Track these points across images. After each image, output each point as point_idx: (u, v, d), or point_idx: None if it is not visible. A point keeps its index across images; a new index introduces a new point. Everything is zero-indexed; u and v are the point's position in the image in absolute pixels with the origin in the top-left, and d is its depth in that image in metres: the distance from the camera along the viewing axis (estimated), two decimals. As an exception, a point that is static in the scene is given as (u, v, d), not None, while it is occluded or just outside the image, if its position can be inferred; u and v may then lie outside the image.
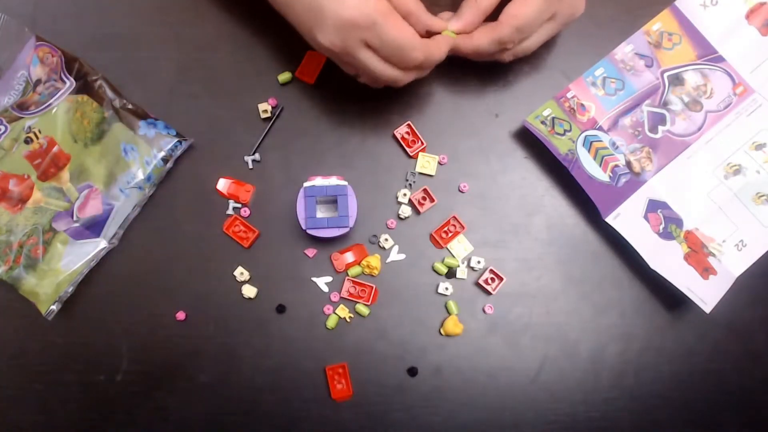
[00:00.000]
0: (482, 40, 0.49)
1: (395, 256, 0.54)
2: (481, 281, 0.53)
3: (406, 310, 0.53)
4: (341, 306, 0.53)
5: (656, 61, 0.55)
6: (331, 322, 0.53)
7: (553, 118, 0.54)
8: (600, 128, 0.54)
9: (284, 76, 0.54)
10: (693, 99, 0.55)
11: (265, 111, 0.54)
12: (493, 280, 0.53)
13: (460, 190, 0.55)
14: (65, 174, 0.52)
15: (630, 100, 0.55)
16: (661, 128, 0.55)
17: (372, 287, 0.53)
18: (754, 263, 0.53)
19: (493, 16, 0.49)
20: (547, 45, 0.54)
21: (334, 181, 0.50)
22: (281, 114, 0.55)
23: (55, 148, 0.52)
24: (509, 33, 0.48)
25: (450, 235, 0.54)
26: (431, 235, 0.54)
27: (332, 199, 0.51)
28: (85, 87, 0.53)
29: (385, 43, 0.45)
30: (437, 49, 0.48)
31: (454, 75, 0.56)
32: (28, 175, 0.52)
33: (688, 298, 0.52)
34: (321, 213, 0.52)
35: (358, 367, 0.53)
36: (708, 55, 0.55)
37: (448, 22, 0.49)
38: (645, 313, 0.54)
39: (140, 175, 0.52)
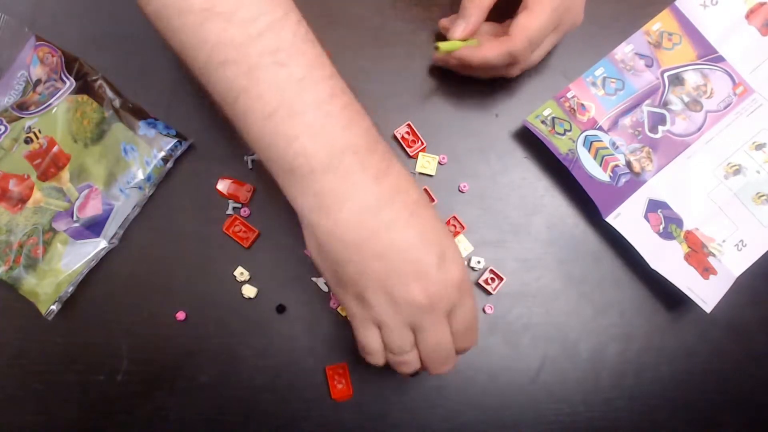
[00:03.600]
0: (492, 52, 0.48)
1: (395, 256, 0.54)
2: (481, 281, 0.53)
3: (406, 310, 0.53)
4: (341, 306, 0.53)
5: (656, 61, 0.55)
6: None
7: (554, 118, 0.54)
8: (600, 128, 0.54)
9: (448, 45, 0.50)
10: (693, 99, 0.55)
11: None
12: (493, 280, 0.53)
13: (460, 190, 0.55)
14: (65, 174, 0.52)
15: (630, 100, 0.55)
16: (661, 128, 0.55)
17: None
18: (754, 263, 0.53)
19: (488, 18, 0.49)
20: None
21: (334, 181, 0.50)
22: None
23: (55, 148, 0.52)
24: (522, 46, 0.47)
25: (450, 235, 0.54)
26: (431, 235, 0.54)
27: (332, 199, 0.51)
28: (85, 87, 0.53)
29: (464, 316, 0.41)
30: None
31: (454, 75, 0.56)
32: (28, 175, 0.52)
33: (688, 298, 0.52)
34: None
35: (358, 367, 0.53)
36: (708, 55, 0.55)
37: (454, 25, 0.49)
38: (645, 313, 0.54)
39: (140, 175, 0.52)
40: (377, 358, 0.42)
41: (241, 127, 0.40)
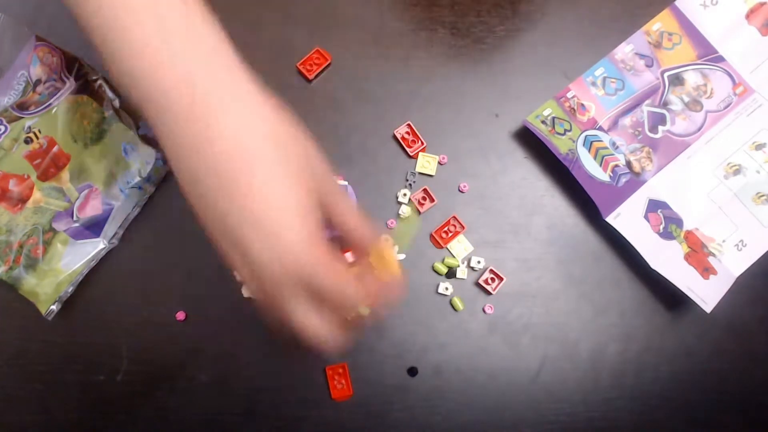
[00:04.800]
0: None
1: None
2: (481, 281, 0.53)
3: (406, 310, 0.53)
4: (341, 306, 0.53)
5: (656, 61, 0.55)
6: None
7: (554, 118, 0.54)
8: (600, 128, 0.54)
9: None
10: (693, 99, 0.55)
11: (265, 111, 0.54)
12: (493, 280, 0.53)
13: (460, 190, 0.55)
14: (65, 174, 0.52)
15: (630, 100, 0.55)
16: (661, 128, 0.55)
17: (372, 287, 0.53)
18: (754, 263, 0.53)
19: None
20: (548, 45, 0.54)
21: (334, 181, 0.50)
22: (281, 114, 0.55)
23: (55, 148, 0.52)
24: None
25: (450, 235, 0.54)
26: (431, 235, 0.54)
27: (332, 199, 0.51)
28: (85, 87, 0.53)
29: (324, 291, 0.36)
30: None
31: (454, 75, 0.56)
32: (28, 175, 0.52)
33: (688, 298, 0.52)
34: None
35: (358, 367, 0.53)
36: (708, 55, 0.55)
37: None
38: (645, 313, 0.54)
39: (140, 175, 0.52)
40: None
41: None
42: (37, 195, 0.52)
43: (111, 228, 0.52)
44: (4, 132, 0.52)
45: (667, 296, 0.54)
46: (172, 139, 0.36)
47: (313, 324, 0.37)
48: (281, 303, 0.36)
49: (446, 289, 0.53)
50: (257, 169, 0.35)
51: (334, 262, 0.36)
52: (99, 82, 0.53)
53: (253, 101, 0.38)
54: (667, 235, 0.53)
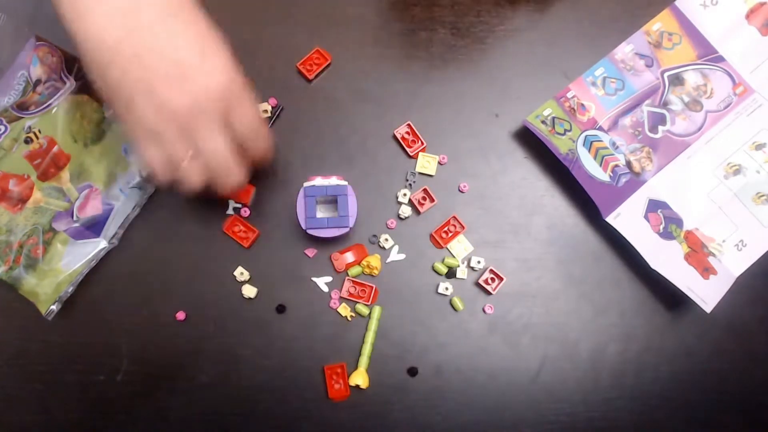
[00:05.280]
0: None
1: (395, 256, 0.54)
2: (481, 281, 0.53)
3: (406, 310, 0.53)
4: (342, 305, 0.53)
5: (656, 61, 0.55)
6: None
7: (554, 118, 0.54)
8: (600, 128, 0.54)
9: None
10: (693, 99, 0.55)
11: (265, 111, 0.54)
12: (493, 280, 0.53)
13: (460, 190, 0.55)
14: (65, 174, 0.52)
15: (630, 100, 0.55)
16: (661, 128, 0.55)
17: (372, 287, 0.53)
18: (754, 263, 0.53)
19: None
20: (548, 45, 0.54)
21: (334, 181, 0.50)
22: (281, 114, 0.55)
23: (55, 148, 0.52)
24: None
25: (450, 235, 0.54)
26: (431, 235, 0.54)
27: (332, 199, 0.51)
28: (85, 87, 0.53)
29: (243, 118, 0.41)
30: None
31: (454, 75, 0.56)
32: (28, 175, 0.52)
33: (688, 298, 0.52)
34: (321, 213, 0.52)
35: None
36: (708, 55, 0.55)
37: None
38: (645, 313, 0.54)
39: (140, 175, 0.52)
40: (161, 169, 0.41)
41: None
42: (37, 195, 0.52)
43: (111, 228, 0.52)
44: (4, 132, 0.52)
45: (667, 296, 0.54)
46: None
47: (223, 150, 0.40)
48: (195, 132, 0.38)
49: (446, 289, 0.53)
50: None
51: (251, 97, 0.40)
52: (99, 82, 0.53)
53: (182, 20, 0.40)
54: (667, 235, 0.53)
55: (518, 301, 0.54)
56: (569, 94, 0.54)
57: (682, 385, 0.54)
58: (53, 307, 0.51)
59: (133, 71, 0.38)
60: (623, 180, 0.54)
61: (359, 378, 0.51)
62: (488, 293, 0.53)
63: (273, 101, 0.55)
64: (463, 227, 0.54)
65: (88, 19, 0.38)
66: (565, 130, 0.54)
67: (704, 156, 0.55)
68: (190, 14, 0.40)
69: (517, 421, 0.53)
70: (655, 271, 0.52)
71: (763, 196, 0.54)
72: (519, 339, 0.54)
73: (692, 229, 0.54)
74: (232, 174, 0.42)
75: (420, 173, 0.55)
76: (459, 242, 0.54)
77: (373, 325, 0.52)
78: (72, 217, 0.52)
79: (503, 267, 0.54)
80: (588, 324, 0.54)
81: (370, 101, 0.55)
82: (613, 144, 0.54)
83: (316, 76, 0.55)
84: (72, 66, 0.53)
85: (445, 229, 0.54)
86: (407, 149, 0.54)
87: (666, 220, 0.54)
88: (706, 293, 0.52)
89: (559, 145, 0.53)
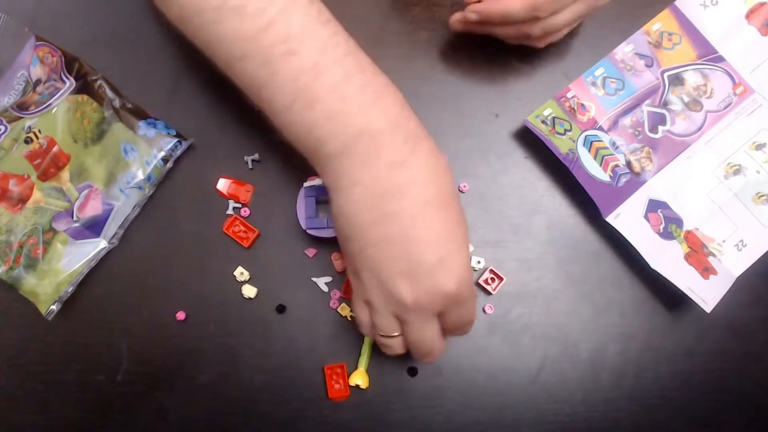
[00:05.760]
0: (515, 3, 0.45)
1: (395, 256, 0.54)
2: (481, 281, 0.53)
3: (406, 310, 0.53)
4: (342, 305, 0.53)
5: (656, 61, 0.55)
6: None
7: (554, 118, 0.54)
8: (600, 128, 0.54)
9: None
10: (693, 99, 0.55)
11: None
12: (493, 280, 0.53)
13: (460, 190, 0.55)
14: (65, 174, 0.52)
15: (630, 100, 0.55)
16: (661, 128, 0.55)
17: (372, 287, 0.53)
18: (754, 263, 0.53)
19: None
20: (548, 45, 0.54)
21: (334, 181, 0.50)
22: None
23: (55, 148, 0.52)
24: None
25: (450, 235, 0.54)
26: (431, 235, 0.54)
27: (332, 199, 0.51)
28: (85, 87, 0.53)
29: (458, 319, 0.41)
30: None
31: (454, 75, 0.56)
32: (28, 175, 0.52)
33: (688, 298, 0.52)
34: (321, 213, 0.52)
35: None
36: (708, 55, 0.55)
37: None
38: (645, 313, 0.54)
39: (140, 175, 0.52)
40: (365, 330, 0.44)
41: (268, 115, 0.41)
42: (37, 195, 0.52)
43: (111, 228, 0.52)
44: (4, 132, 0.52)
45: (667, 296, 0.54)
46: (348, 183, 0.39)
47: (430, 339, 0.41)
48: (409, 319, 0.40)
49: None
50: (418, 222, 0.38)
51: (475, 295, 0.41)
52: (99, 82, 0.53)
53: (426, 159, 0.39)
54: (667, 235, 0.53)
55: (518, 301, 0.54)
56: (569, 94, 0.54)
57: (682, 385, 0.54)
58: (53, 307, 0.51)
59: (368, 254, 0.38)
60: (623, 180, 0.54)
61: (359, 378, 0.51)
62: (488, 293, 0.53)
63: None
64: (463, 227, 0.54)
65: (346, 196, 0.39)
66: (565, 130, 0.54)
67: (704, 156, 0.55)
68: (441, 212, 0.38)
69: (517, 421, 0.53)
70: (655, 271, 0.52)
71: (763, 196, 0.54)
72: (519, 339, 0.54)
73: (692, 229, 0.54)
74: (432, 356, 0.43)
75: (420, 173, 0.55)
76: (459, 242, 0.54)
77: None
78: (72, 217, 0.52)
79: (503, 267, 0.54)
80: (588, 324, 0.54)
81: (370, 101, 0.55)
82: (613, 144, 0.54)
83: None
84: (72, 66, 0.53)
85: (445, 229, 0.54)
86: (407, 149, 0.54)
87: (666, 220, 0.54)
88: (706, 293, 0.52)
89: (559, 145, 0.53)
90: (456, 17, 0.50)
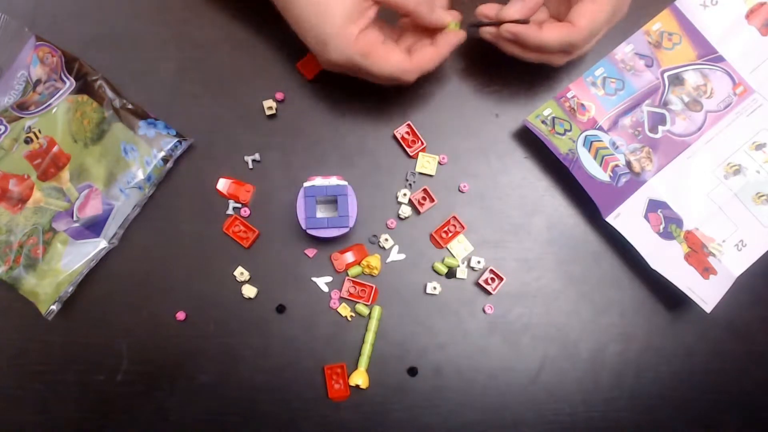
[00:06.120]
0: (552, 36, 0.45)
1: (395, 256, 0.54)
2: (481, 281, 0.53)
3: (406, 310, 0.53)
4: (342, 305, 0.53)
5: (656, 61, 0.55)
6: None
7: (554, 118, 0.54)
8: (600, 128, 0.54)
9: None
10: (693, 99, 0.55)
11: (270, 108, 0.54)
12: (493, 280, 0.53)
13: (460, 190, 0.55)
14: (65, 174, 0.52)
15: (630, 100, 0.55)
16: (661, 128, 0.55)
17: (372, 287, 0.53)
18: (754, 263, 0.53)
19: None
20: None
21: (334, 181, 0.50)
22: (281, 113, 0.55)
23: (55, 148, 0.52)
24: (584, 36, 0.45)
25: (450, 235, 0.54)
26: (431, 235, 0.54)
27: (332, 199, 0.51)
28: (85, 87, 0.53)
29: (376, 76, 0.47)
30: (430, 60, 0.47)
31: (454, 75, 0.56)
32: (28, 175, 0.52)
33: (688, 298, 0.52)
34: (321, 213, 0.52)
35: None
36: (708, 55, 0.55)
37: (510, 4, 0.46)
38: (645, 313, 0.54)
39: (140, 175, 0.52)
40: None
41: None
42: (37, 195, 0.52)
43: (111, 228, 0.52)
44: (4, 132, 0.52)
45: (667, 296, 0.54)
46: None
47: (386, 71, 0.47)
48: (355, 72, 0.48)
49: (434, 288, 0.53)
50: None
51: (376, 50, 0.46)
52: (99, 82, 0.53)
53: None
54: (667, 235, 0.53)
55: (518, 301, 0.54)
56: (569, 94, 0.54)
57: (682, 385, 0.54)
58: (53, 307, 0.51)
59: None
60: (623, 180, 0.54)
61: (359, 378, 0.51)
62: (488, 293, 0.53)
63: (280, 95, 0.54)
64: (463, 227, 0.54)
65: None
66: (565, 130, 0.54)
67: (704, 156, 0.55)
68: None
69: (517, 421, 0.53)
70: (655, 271, 0.52)
71: (763, 196, 0.54)
72: (519, 339, 0.54)
73: (692, 229, 0.54)
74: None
75: (420, 173, 0.55)
76: (459, 242, 0.54)
77: (373, 325, 0.52)
78: (72, 217, 0.52)
79: (503, 267, 0.54)
80: (588, 324, 0.54)
81: (370, 101, 0.55)
82: (613, 144, 0.54)
83: (316, 76, 0.55)
84: (72, 66, 0.53)
85: (445, 229, 0.54)
86: (407, 149, 0.54)
87: (666, 220, 0.54)
88: (706, 293, 0.52)
89: (559, 145, 0.53)
90: (489, 30, 0.49)
